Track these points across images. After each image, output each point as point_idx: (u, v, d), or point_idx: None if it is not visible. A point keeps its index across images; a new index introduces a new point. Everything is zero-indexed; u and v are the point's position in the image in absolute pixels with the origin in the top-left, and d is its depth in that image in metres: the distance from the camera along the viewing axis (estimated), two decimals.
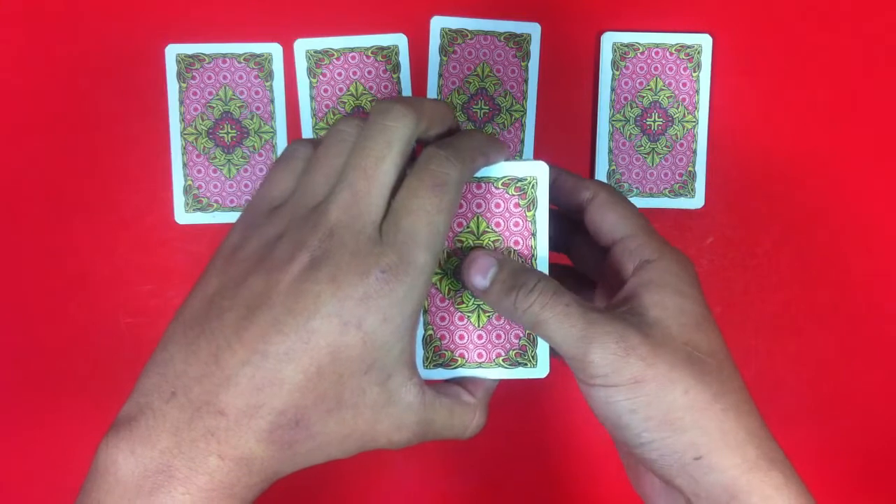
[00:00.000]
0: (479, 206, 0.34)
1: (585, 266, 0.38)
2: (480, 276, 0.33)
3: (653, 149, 0.48)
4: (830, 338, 0.49)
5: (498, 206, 0.34)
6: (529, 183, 0.34)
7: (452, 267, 0.34)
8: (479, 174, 0.34)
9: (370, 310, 0.28)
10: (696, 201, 0.49)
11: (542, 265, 0.34)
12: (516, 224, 0.34)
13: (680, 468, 0.30)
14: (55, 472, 0.48)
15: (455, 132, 0.33)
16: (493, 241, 0.34)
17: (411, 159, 0.31)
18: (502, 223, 0.34)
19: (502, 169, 0.34)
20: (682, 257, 0.33)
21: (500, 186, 0.34)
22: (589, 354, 0.30)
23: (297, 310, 0.28)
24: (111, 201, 0.48)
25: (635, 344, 0.30)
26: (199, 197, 0.48)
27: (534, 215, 0.34)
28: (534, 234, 0.34)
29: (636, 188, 0.48)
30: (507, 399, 0.49)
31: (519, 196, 0.34)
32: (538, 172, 0.34)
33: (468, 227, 0.34)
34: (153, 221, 0.48)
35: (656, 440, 0.30)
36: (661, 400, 0.30)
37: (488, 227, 0.34)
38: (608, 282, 0.35)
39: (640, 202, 0.48)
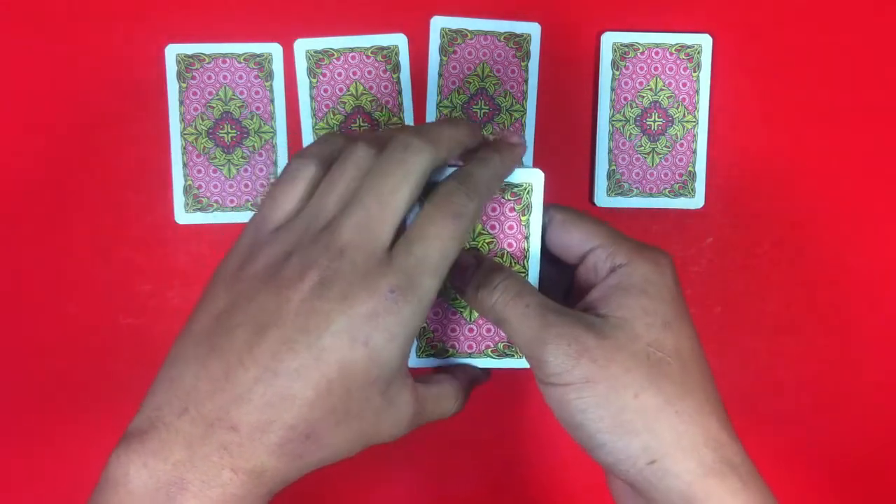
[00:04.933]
0: None
1: (556, 291, 0.39)
2: (459, 276, 0.34)
3: (653, 149, 0.48)
4: (830, 338, 0.49)
5: (494, 209, 0.35)
6: (525, 189, 0.35)
7: None
8: None
9: (377, 328, 0.29)
10: (696, 201, 0.49)
11: (534, 266, 0.35)
12: (510, 227, 0.35)
13: (637, 472, 0.31)
14: (54, 471, 0.48)
15: (475, 149, 0.34)
16: (488, 243, 0.35)
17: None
18: (497, 226, 0.35)
19: None
20: (655, 256, 0.33)
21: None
22: (544, 354, 0.31)
23: (308, 328, 0.28)
24: (111, 201, 0.48)
25: (589, 346, 0.31)
26: (199, 197, 0.48)
27: (528, 219, 0.35)
28: (527, 238, 0.35)
29: (636, 188, 0.48)
30: (504, 397, 0.49)
31: (514, 201, 0.35)
32: (534, 179, 0.35)
33: None
34: (153, 221, 0.48)
35: (608, 443, 0.31)
36: (612, 401, 0.30)
37: (483, 230, 0.35)
38: (581, 297, 0.35)
39: (640, 202, 0.48)
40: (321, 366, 0.28)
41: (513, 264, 0.35)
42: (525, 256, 0.35)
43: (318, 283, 0.29)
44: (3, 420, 0.48)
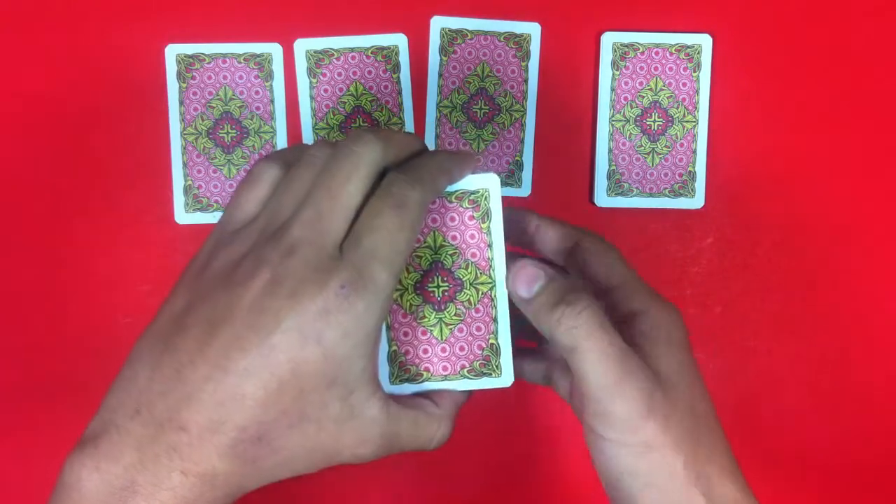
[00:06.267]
0: (434, 220, 0.34)
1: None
2: (525, 286, 0.33)
3: (653, 149, 0.48)
4: (830, 338, 0.49)
5: (453, 219, 0.34)
6: (482, 195, 0.34)
7: (412, 283, 0.34)
8: None
9: (330, 324, 0.28)
10: (696, 201, 0.49)
11: (500, 275, 0.34)
12: (472, 236, 0.34)
13: None
14: (53, 472, 0.48)
15: (420, 154, 0.34)
16: (451, 255, 0.34)
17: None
18: (458, 236, 0.34)
19: (455, 183, 0.34)
20: (669, 307, 0.34)
21: (453, 200, 0.34)
22: (614, 406, 0.31)
23: (257, 326, 0.28)
24: (111, 201, 0.48)
25: (657, 405, 0.31)
26: (199, 197, 0.48)
27: (488, 226, 0.34)
28: (490, 245, 0.34)
29: (636, 188, 0.48)
30: (502, 398, 0.49)
31: (473, 208, 0.34)
32: (490, 184, 0.34)
33: (425, 243, 0.34)
34: (153, 221, 0.48)
35: None
36: (664, 470, 0.31)
37: (445, 241, 0.34)
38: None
39: (640, 202, 0.48)
40: (271, 364, 0.28)
41: (478, 275, 0.34)
42: (490, 266, 0.34)
43: (270, 281, 0.28)
44: (3, 419, 0.48)
